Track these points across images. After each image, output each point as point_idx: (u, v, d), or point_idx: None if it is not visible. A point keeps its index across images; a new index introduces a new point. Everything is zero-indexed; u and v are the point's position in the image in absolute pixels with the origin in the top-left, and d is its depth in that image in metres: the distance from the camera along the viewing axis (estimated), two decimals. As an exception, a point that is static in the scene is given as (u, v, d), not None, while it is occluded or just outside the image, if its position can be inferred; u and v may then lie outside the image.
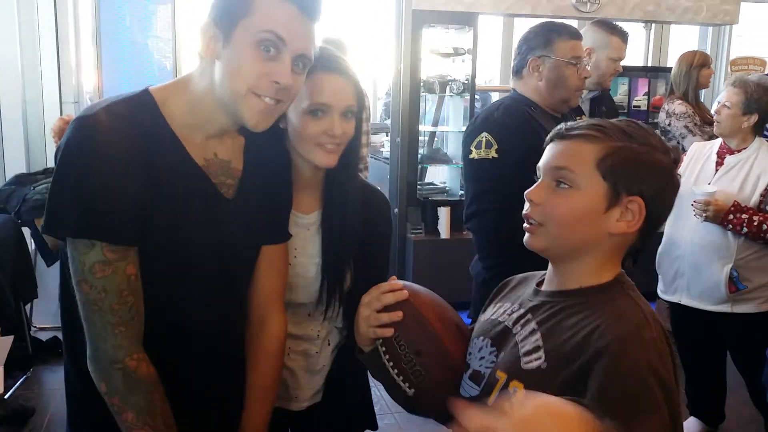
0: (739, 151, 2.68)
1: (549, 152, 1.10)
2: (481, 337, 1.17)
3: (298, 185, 1.48)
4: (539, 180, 1.09)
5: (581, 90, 2.25)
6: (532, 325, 1.08)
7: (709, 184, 2.66)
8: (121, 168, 1.12)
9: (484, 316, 1.23)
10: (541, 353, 1.03)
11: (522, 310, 1.13)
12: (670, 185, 1.07)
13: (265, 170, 1.34)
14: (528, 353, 1.05)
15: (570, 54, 2.16)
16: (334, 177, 1.50)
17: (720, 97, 2.73)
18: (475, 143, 2.13)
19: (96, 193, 1.11)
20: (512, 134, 2.09)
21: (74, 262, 1.14)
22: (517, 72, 2.24)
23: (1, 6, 4.11)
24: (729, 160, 2.69)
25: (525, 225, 1.10)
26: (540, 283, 1.16)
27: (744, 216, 2.54)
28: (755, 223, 2.52)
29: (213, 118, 1.22)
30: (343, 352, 1.60)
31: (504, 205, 2.00)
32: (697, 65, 3.81)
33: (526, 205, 1.09)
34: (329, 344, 1.59)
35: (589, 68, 2.26)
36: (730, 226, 2.56)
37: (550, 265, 1.14)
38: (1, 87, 4.19)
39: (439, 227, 4.64)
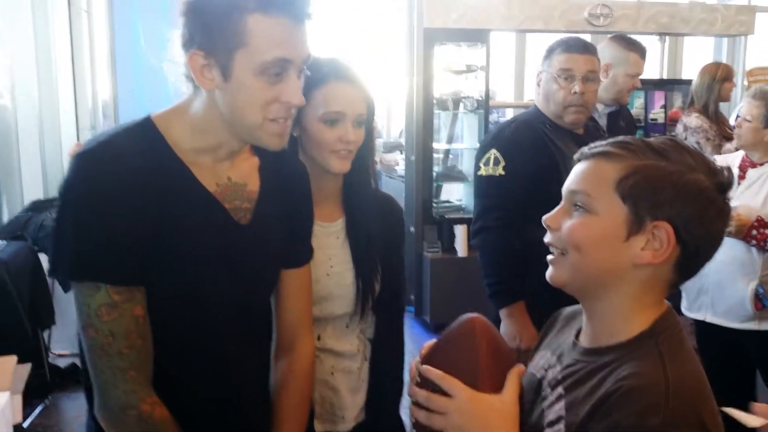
0: (761, 164, 2.62)
1: (571, 174, 1.00)
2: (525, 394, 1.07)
3: (320, 195, 1.48)
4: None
5: (577, 107, 2.18)
6: (560, 390, 0.98)
7: (731, 198, 2.61)
8: (123, 204, 1.07)
9: (532, 363, 1.11)
10: (561, 426, 0.94)
11: (557, 368, 1.02)
12: (711, 210, 0.93)
13: (283, 188, 1.29)
14: (551, 424, 0.96)
15: (557, 67, 2.15)
16: (351, 182, 1.54)
17: (740, 110, 2.68)
18: (483, 159, 2.14)
19: (97, 233, 1.07)
20: (521, 152, 2.09)
21: (79, 305, 1.10)
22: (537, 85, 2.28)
23: (18, 33, 4.16)
24: (751, 173, 2.63)
25: (549, 256, 1.00)
26: (580, 330, 1.05)
27: (768, 231, 2.48)
28: (780, 238, 2.45)
29: (222, 141, 1.18)
30: (375, 366, 1.60)
31: (507, 223, 1.99)
32: (720, 78, 3.73)
33: (547, 233, 1.00)
34: (366, 359, 1.60)
35: (584, 85, 2.16)
36: (754, 241, 2.50)
37: (583, 310, 1.03)
38: (18, 113, 4.22)
39: (455, 245, 4.60)
